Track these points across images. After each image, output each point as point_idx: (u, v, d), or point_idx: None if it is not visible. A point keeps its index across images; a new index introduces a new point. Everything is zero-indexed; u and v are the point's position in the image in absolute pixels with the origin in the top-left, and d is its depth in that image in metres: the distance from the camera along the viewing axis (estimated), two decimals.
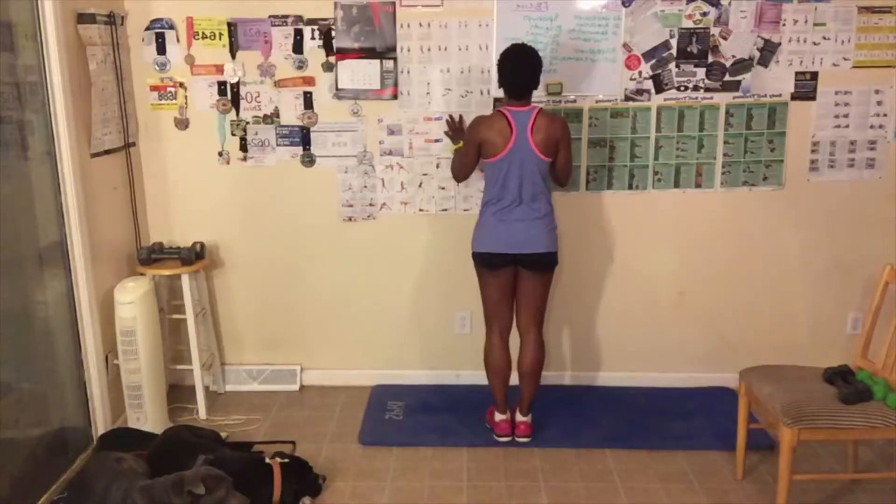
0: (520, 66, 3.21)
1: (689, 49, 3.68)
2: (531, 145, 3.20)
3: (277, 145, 3.80)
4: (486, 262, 3.36)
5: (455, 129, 3.63)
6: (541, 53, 3.51)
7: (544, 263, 3.35)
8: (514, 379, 3.55)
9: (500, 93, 3.38)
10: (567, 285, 3.93)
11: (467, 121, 3.50)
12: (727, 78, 3.70)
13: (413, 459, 3.32)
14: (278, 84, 3.74)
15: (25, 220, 3.04)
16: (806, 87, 3.71)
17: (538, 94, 3.61)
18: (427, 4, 3.64)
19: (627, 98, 3.73)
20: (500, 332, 3.45)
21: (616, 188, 3.82)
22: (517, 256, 3.30)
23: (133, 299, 3.31)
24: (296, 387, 4.02)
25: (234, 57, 3.71)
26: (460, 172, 3.43)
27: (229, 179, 3.83)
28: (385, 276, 3.93)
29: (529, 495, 3.06)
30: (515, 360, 3.47)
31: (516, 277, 3.37)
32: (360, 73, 3.71)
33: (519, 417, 3.48)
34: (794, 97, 3.72)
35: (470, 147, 3.30)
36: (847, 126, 3.76)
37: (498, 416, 3.49)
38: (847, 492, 3.07)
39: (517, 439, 3.46)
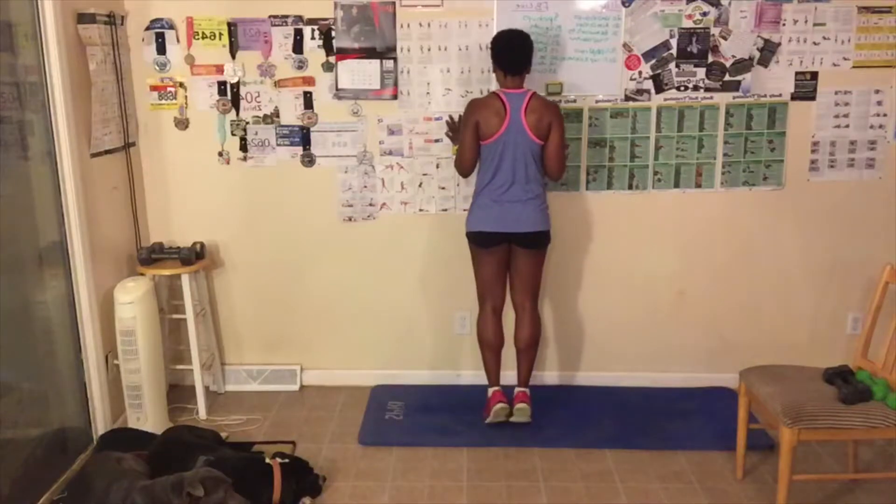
0: (512, 44, 3.33)
1: (689, 49, 3.68)
2: (525, 127, 3.28)
3: (277, 145, 3.80)
4: (480, 241, 3.43)
5: (455, 129, 3.64)
6: (541, 53, 3.56)
7: (538, 241, 3.44)
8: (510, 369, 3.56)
9: (496, 76, 3.42)
10: (567, 285, 3.93)
11: None
12: (727, 78, 3.70)
13: (413, 459, 3.32)
14: (278, 84, 3.74)
15: (25, 220, 3.04)
16: (806, 87, 3.71)
17: (539, 90, 3.64)
18: (427, 4, 3.64)
19: (627, 98, 3.73)
20: (494, 309, 3.53)
21: (616, 188, 3.82)
22: (512, 235, 3.36)
23: (133, 299, 3.31)
24: (296, 387, 4.01)
25: (234, 57, 3.71)
26: (463, 161, 3.44)
27: (229, 179, 3.83)
28: (385, 276, 3.93)
29: (529, 495, 3.06)
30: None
31: (510, 255, 3.45)
32: (360, 73, 3.71)
33: (517, 390, 3.54)
34: (794, 97, 3.72)
35: (467, 130, 3.34)
36: (847, 126, 3.76)
37: (491, 390, 3.53)
38: (847, 492, 3.07)
39: (516, 408, 3.48)
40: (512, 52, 3.33)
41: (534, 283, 3.53)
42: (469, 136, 3.35)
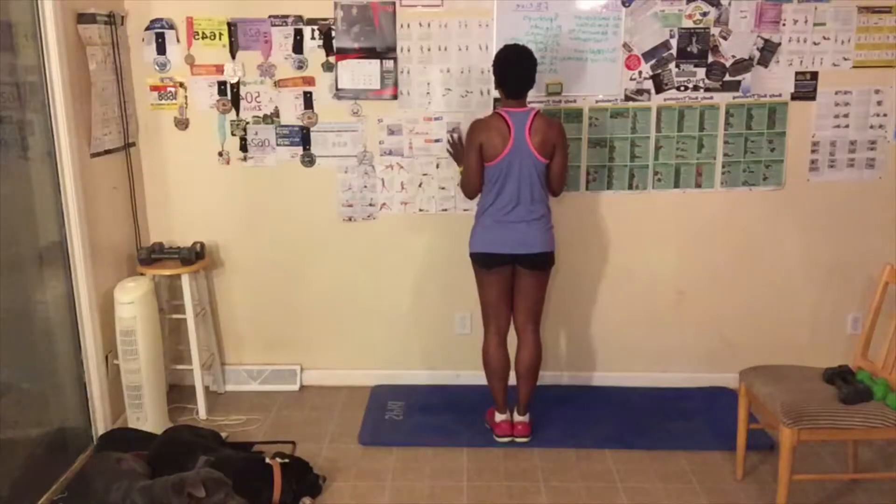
0: (515, 67, 3.22)
1: (689, 49, 3.68)
2: (529, 146, 3.20)
3: (277, 145, 3.80)
4: (484, 262, 3.36)
5: (457, 148, 3.59)
6: (541, 53, 3.53)
7: (542, 263, 3.36)
8: (512, 378, 3.56)
9: (499, 93, 3.39)
10: (567, 285, 3.93)
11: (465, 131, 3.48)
12: (727, 78, 3.70)
13: (413, 459, 3.32)
14: (278, 84, 3.74)
15: (25, 220, 3.04)
16: (806, 87, 3.72)
17: (538, 95, 3.64)
18: (427, 4, 3.64)
19: (627, 98, 3.73)
20: (499, 331, 3.45)
21: (616, 188, 3.82)
22: (515, 256, 3.30)
23: (133, 299, 3.31)
24: (296, 387, 4.02)
25: (234, 57, 3.71)
26: (469, 185, 3.35)
27: (229, 179, 3.83)
28: (385, 276, 3.93)
29: (529, 495, 3.06)
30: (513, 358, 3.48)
31: (514, 277, 3.38)
32: (360, 73, 3.71)
33: (517, 417, 3.48)
34: (794, 97, 3.72)
35: (472, 152, 3.26)
36: (847, 126, 3.76)
37: (498, 417, 3.49)
38: (847, 492, 3.07)
39: (516, 439, 3.46)
40: (517, 75, 3.22)
41: (536, 305, 3.44)
42: (474, 159, 3.26)
